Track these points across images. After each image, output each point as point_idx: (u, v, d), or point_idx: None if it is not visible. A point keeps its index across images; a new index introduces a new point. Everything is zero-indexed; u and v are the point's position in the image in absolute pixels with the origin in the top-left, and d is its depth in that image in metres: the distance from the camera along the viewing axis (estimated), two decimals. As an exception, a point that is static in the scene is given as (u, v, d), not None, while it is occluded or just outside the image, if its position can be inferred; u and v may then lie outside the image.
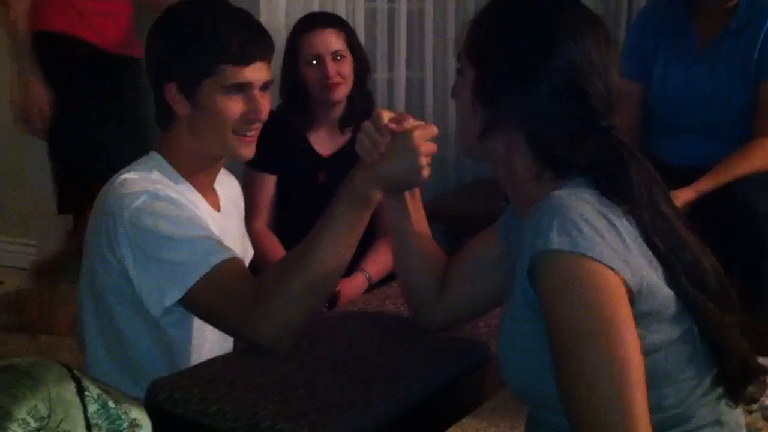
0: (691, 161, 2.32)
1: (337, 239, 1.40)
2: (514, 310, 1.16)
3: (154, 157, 1.62)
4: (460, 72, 1.26)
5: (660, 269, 1.12)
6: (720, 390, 1.16)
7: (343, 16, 3.12)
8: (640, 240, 1.12)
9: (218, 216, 1.69)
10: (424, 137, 1.37)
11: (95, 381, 1.16)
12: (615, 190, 1.14)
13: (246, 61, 1.53)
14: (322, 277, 1.41)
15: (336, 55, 2.47)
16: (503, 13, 1.22)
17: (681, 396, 1.12)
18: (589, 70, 1.15)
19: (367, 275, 2.42)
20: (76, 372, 1.14)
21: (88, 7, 2.67)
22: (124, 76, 2.71)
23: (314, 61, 2.48)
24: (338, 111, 2.54)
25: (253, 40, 1.55)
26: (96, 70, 2.67)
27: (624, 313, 1.04)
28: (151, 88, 1.62)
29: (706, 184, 2.21)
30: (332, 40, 2.49)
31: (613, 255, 1.05)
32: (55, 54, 2.63)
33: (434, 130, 1.40)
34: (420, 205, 1.49)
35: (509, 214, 1.40)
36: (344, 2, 3.21)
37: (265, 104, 1.59)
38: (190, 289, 1.43)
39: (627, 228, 1.11)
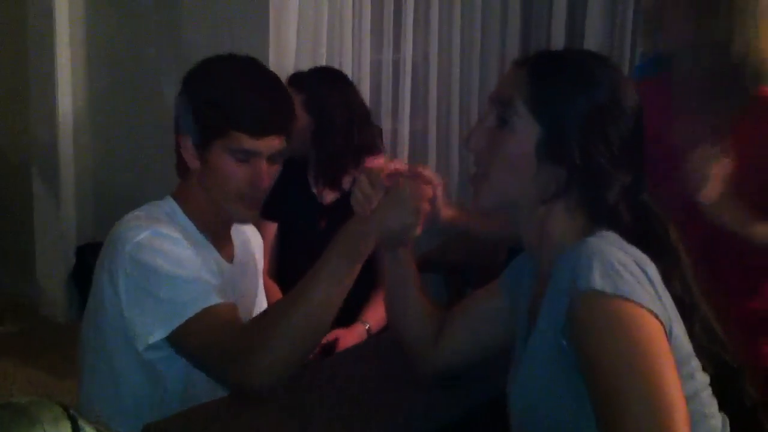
0: None
1: (326, 291, 1.38)
2: (538, 360, 1.16)
3: (169, 201, 1.63)
4: (504, 124, 1.21)
5: (682, 323, 1.14)
6: None
7: (349, 68, 3.17)
8: (667, 292, 1.13)
9: (229, 267, 1.68)
10: (417, 194, 1.36)
11: (91, 421, 1.15)
12: (646, 243, 1.16)
13: (258, 134, 1.53)
14: (309, 328, 1.39)
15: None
16: (576, 72, 1.21)
17: None
18: (640, 133, 1.20)
19: (367, 326, 2.41)
20: (72, 411, 1.13)
21: None
22: None
23: None
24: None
25: (270, 113, 1.55)
26: None
27: (666, 355, 1.05)
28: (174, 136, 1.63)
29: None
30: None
31: (651, 300, 1.07)
32: None
33: (429, 190, 1.39)
34: (411, 258, 1.48)
35: (515, 271, 1.40)
36: (350, 54, 3.25)
37: (272, 174, 1.59)
38: (176, 329, 1.43)
39: (657, 278, 1.13)
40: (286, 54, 3.09)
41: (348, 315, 2.41)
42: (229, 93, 1.55)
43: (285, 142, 1.59)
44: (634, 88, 1.22)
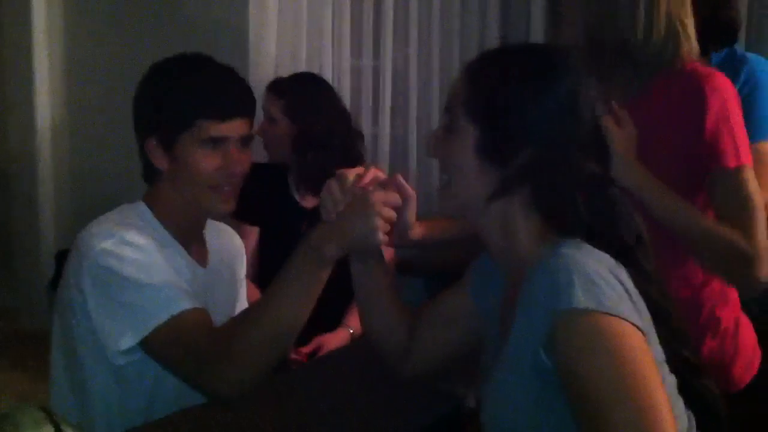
0: None
1: (293, 296, 1.38)
2: (513, 373, 1.15)
3: (140, 206, 1.63)
4: (449, 129, 1.23)
5: (654, 327, 1.14)
6: None
7: (329, 73, 3.18)
8: (640, 297, 1.13)
9: (202, 272, 1.68)
10: (383, 201, 1.34)
11: (73, 425, 1.16)
12: (609, 248, 1.15)
13: (223, 117, 1.54)
14: (277, 333, 1.40)
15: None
16: (505, 67, 1.21)
17: None
18: (598, 125, 1.19)
19: (350, 330, 2.42)
20: (55, 416, 1.14)
21: None
22: None
23: None
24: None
25: (232, 96, 1.57)
26: None
27: (652, 369, 1.05)
28: (137, 143, 1.63)
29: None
30: (266, 103, 2.55)
31: (632, 311, 1.07)
32: None
33: (396, 198, 1.37)
34: (381, 268, 1.46)
35: (482, 270, 1.40)
36: (330, 58, 3.26)
37: (244, 159, 1.59)
38: (146, 336, 1.43)
39: (630, 284, 1.12)
40: (266, 60, 3.09)
41: (332, 320, 2.42)
42: (187, 84, 1.56)
43: (250, 127, 1.60)
44: (587, 78, 1.21)
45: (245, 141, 1.60)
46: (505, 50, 1.28)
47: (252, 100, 1.62)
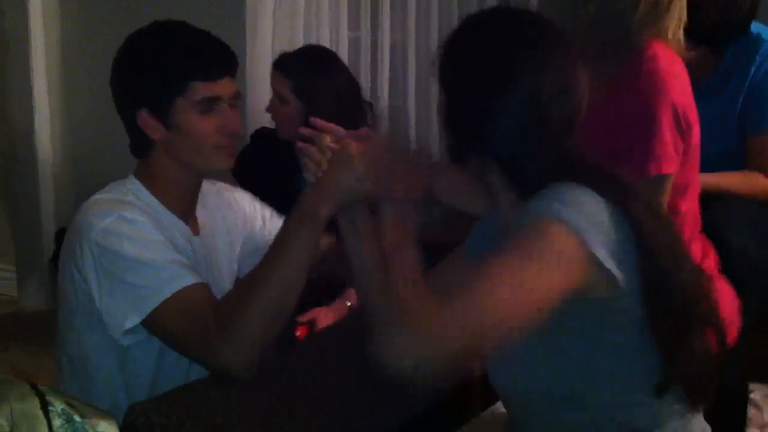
0: None
1: (289, 263, 1.40)
2: None
3: (132, 181, 1.61)
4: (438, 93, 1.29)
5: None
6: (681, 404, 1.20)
7: (327, 46, 3.15)
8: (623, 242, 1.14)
9: (197, 240, 1.67)
10: (363, 149, 1.40)
11: (61, 396, 1.15)
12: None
13: (214, 76, 1.54)
14: (276, 299, 1.40)
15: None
16: (466, 39, 1.25)
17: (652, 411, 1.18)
18: (550, 99, 1.18)
19: (348, 303, 2.41)
20: (40, 388, 1.13)
21: None
22: None
23: None
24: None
25: (218, 56, 1.57)
26: None
27: (554, 278, 1.08)
28: (121, 118, 1.61)
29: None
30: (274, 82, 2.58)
31: (599, 241, 1.10)
32: None
33: (374, 149, 1.42)
34: (368, 226, 1.47)
35: (478, 237, 1.42)
36: (328, 33, 3.23)
37: (238, 118, 1.59)
38: (150, 314, 1.43)
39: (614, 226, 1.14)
40: (263, 32, 3.06)
41: (332, 294, 2.41)
42: (173, 49, 1.55)
43: (236, 85, 1.60)
44: (542, 53, 1.20)
45: (235, 99, 1.60)
46: (471, 21, 1.30)
47: (235, 59, 1.62)
